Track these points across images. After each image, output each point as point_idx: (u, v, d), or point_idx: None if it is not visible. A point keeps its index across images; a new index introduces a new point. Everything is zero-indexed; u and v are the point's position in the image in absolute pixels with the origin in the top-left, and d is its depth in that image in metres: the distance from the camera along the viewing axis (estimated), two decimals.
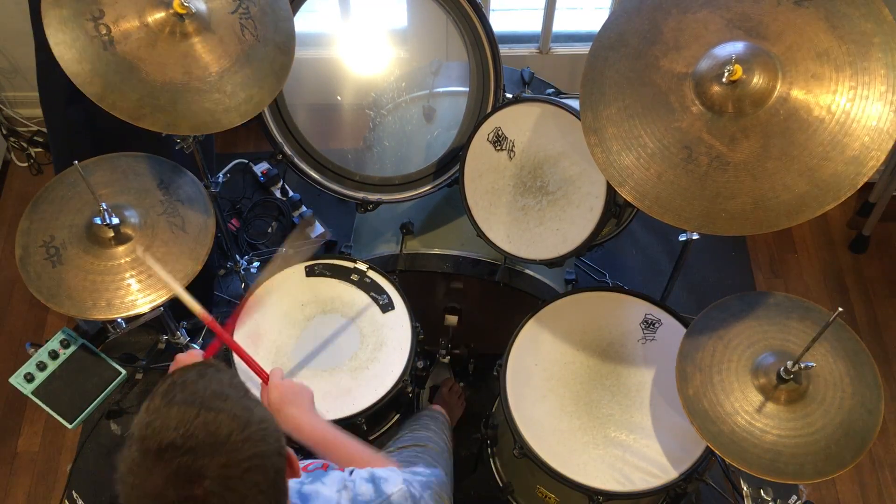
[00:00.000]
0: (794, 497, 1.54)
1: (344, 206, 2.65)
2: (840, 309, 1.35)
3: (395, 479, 1.09)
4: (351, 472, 1.10)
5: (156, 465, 0.78)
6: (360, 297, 1.85)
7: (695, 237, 1.82)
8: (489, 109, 1.91)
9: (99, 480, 2.21)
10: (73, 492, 2.14)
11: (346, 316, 1.82)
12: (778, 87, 1.32)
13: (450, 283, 2.05)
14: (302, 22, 1.75)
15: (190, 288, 1.53)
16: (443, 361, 2.25)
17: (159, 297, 1.59)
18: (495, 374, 1.78)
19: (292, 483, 1.08)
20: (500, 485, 2.01)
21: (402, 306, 1.83)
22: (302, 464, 1.17)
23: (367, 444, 1.30)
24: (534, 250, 1.81)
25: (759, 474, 1.43)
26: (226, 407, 0.83)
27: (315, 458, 1.21)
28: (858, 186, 1.26)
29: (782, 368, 1.45)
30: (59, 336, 1.76)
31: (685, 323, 1.77)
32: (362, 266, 1.88)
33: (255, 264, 2.38)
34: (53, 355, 1.73)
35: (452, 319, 2.14)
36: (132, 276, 1.59)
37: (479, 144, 1.84)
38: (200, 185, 1.75)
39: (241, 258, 2.38)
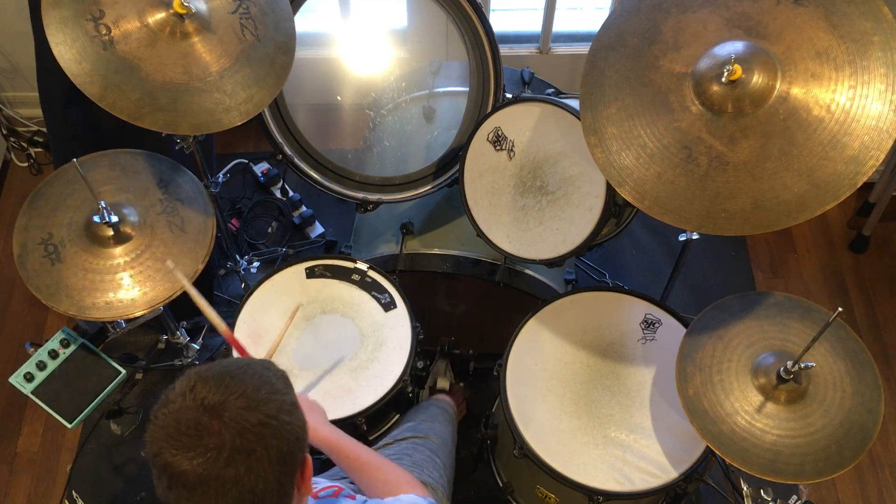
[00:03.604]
0: (794, 497, 1.54)
1: (344, 206, 2.66)
2: (840, 309, 1.34)
3: None
4: None
5: (188, 394, 0.88)
6: (361, 297, 1.85)
7: (695, 237, 1.82)
8: (489, 109, 1.91)
9: (99, 480, 2.21)
10: (73, 492, 2.13)
11: (346, 316, 1.82)
12: (777, 87, 1.32)
13: (450, 283, 2.04)
14: (302, 22, 1.74)
15: None
16: (443, 362, 2.25)
17: (159, 298, 1.59)
18: (495, 374, 1.78)
19: None
20: (500, 485, 2.01)
21: (403, 306, 1.83)
22: (315, 487, 1.17)
23: (378, 454, 1.32)
24: (534, 250, 1.81)
25: (759, 474, 1.43)
26: (262, 378, 0.92)
27: (327, 478, 1.21)
28: (858, 186, 1.26)
29: (782, 368, 1.45)
30: (59, 336, 1.76)
31: (685, 323, 1.77)
32: (363, 266, 1.88)
33: (255, 264, 2.38)
34: (53, 355, 1.73)
35: (444, 384, 2.17)
36: (132, 276, 1.59)
37: (479, 144, 1.84)
38: (200, 184, 1.75)
39: (241, 258, 2.38)
